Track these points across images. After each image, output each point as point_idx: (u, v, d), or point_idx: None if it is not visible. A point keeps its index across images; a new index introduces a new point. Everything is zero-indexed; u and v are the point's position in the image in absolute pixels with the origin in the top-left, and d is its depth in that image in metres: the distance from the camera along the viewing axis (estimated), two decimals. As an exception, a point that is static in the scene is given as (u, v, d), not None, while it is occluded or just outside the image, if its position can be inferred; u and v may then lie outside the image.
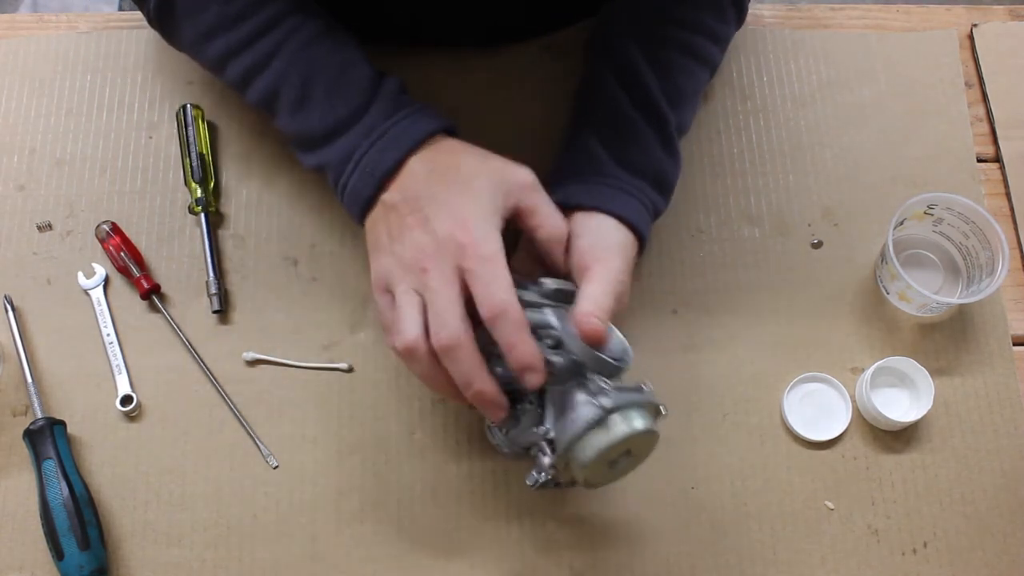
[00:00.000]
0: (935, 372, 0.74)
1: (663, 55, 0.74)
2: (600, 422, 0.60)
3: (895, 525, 0.72)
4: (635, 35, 0.74)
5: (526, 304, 0.62)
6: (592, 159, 0.72)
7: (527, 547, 0.70)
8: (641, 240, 0.70)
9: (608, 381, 0.62)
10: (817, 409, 0.74)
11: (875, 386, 0.74)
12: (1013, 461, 0.73)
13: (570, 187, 0.70)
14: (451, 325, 0.59)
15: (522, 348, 0.59)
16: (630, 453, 0.64)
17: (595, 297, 0.63)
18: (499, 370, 0.62)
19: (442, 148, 0.66)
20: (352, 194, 0.66)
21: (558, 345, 0.62)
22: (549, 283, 0.65)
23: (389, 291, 0.63)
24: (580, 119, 0.75)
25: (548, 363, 0.61)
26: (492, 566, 0.70)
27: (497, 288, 0.59)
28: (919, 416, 0.72)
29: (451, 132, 0.68)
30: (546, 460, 0.62)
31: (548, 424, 0.62)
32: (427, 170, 0.64)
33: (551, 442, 0.62)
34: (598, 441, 0.61)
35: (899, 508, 0.72)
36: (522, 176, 0.65)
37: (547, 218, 0.65)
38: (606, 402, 0.61)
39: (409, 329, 0.60)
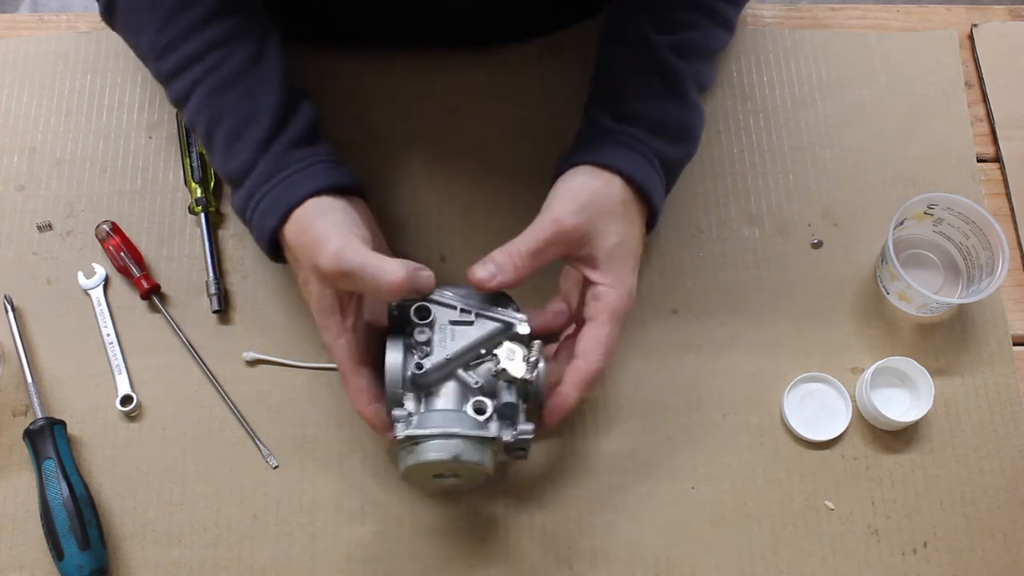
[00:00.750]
0: (935, 372, 0.74)
1: (669, 16, 0.72)
2: (432, 438, 0.62)
3: (895, 525, 0.72)
4: (643, 6, 0.73)
5: (442, 304, 0.65)
6: (587, 123, 0.71)
7: (527, 546, 0.70)
8: (639, 187, 0.68)
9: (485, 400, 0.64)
10: (817, 409, 0.74)
11: (875, 386, 0.74)
12: (1013, 461, 0.73)
13: (563, 155, 0.70)
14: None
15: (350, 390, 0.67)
16: (458, 476, 0.65)
17: (508, 249, 0.65)
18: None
19: (295, 223, 0.65)
20: (258, 243, 0.69)
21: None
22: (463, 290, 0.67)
23: None
24: (588, 97, 0.74)
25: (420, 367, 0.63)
26: (492, 565, 0.70)
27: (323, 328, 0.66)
28: (919, 416, 0.72)
29: (330, 191, 0.66)
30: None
31: (411, 407, 0.65)
32: (287, 247, 0.67)
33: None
34: (420, 454, 0.62)
35: (899, 508, 0.72)
36: (322, 261, 0.62)
37: (368, 283, 0.62)
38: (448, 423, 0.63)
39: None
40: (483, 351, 0.65)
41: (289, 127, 0.68)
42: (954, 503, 0.72)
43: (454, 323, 0.65)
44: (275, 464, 0.72)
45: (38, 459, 0.69)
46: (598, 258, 0.66)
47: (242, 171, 0.68)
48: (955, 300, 0.75)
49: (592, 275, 0.67)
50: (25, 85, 0.83)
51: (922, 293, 0.73)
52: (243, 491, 0.71)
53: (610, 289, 0.66)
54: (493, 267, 0.64)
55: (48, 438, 0.69)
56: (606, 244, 0.66)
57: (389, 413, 0.65)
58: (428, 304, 0.65)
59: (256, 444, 0.72)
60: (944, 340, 0.77)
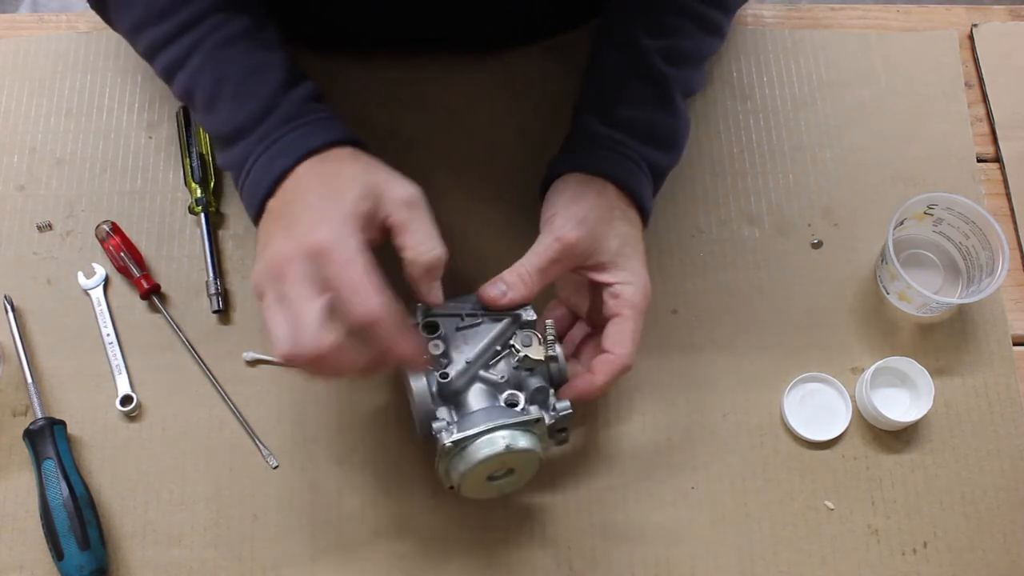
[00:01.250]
0: (935, 372, 0.74)
1: (661, 20, 0.73)
2: (478, 436, 0.62)
3: (895, 525, 0.72)
4: (635, 10, 0.74)
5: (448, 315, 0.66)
6: (577, 128, 0.72)
7: (527, 546, 0.70)
8: (630, 192, 0.69)
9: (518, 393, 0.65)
10: (817, 409, 0.74)
11: (875, 386, 0.74)
12: (1013, 461, 0.73)
13: (553, 162, 0.71)
14: (307, 336, 0.57)
15: (402, 347, 0.60)
16: (512, 471, 0.65)
17: (518, 268, 0.66)
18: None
19: (332, 157, 0.64)
20: (246, 199, 0.66)
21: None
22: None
23: (262, 298, 0.61)
24: (578, 100, 0.75)
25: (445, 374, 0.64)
26: (492, 565, 0.70)
27: (360, 298, 0.57)
28: (919, 416, 0.72)
29: (354, 144, 0.66)
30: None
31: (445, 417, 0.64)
32: (310, 179, 0.63)
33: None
34: (473, 456, 0.62)
35: (899, 508, 0.72)
36: (400, 191, 0.62)
37: (415, 239, 0.62)
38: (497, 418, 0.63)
39: (278, 341, 0.58)
40: (498, 347, 0.66)
41: (301, 85, 0.67)
42: (954, 503, 0.72)
43: (462, 329, 0.66)
44: (275, 464, 0.72)
45: (38, 459, 0.69)
46: (607, 262, 0.67)
47: (254, 119, 0.65)
48: (955, 300, 0.75)
49: (605, 278, 0.68)
50: (25, 85, 0.83)
51: (922, 293, 0.73)
52: (243, 491, 0.71)
53: (626, 286, 0.67)
54: (503, 286, 0.66)
55: (48, 438, 0.69)
56: (611, 248, 0.67)
57: (424, 437, 0.65)
58: (434, 319, 0.66)
59: (256, 444, 0.72)
60: (944, 340, 0.77)
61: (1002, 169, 0.83)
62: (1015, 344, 0.77)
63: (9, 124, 0.82)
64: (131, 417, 0.73)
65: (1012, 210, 0.81)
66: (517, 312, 0.67)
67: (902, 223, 0.76)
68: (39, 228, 0.78)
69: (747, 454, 0.73)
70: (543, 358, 0.65)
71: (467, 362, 0.65)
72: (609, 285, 0.68)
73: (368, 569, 0.69)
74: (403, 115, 0.83)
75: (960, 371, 0.76)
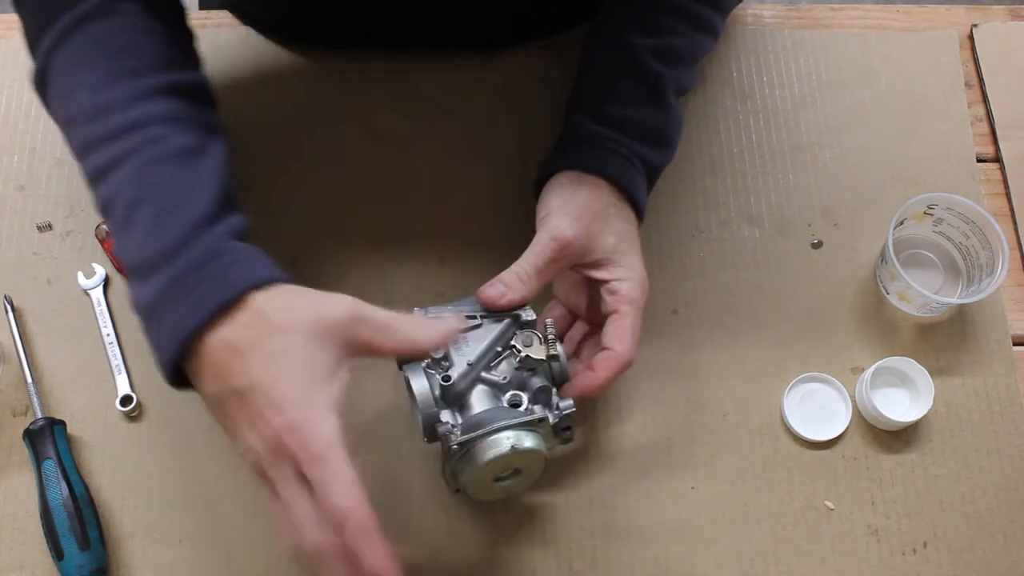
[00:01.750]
0: (935, 372, 0.74)
1: (655, 20, 0.73)
2: (483, 437, 0.62)
3: (895, 525, 0.72)
4: (628, 10, 0.74)
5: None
6: (570, 126, 0.72)
7: (527, 546, 0.70)
8: (624, 189, 0.69)
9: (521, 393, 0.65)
10: (817, 409, 0.74)
11: (875, 386, 0.74)
12: (1013, 461, 0.73)
13: (545, 161, 0.71)
14: (310, 536, 0.53)
15: (370, 556, 0.52)
16: (518, 471, 0.65)
17: (516, 269, 0.66)
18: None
19: (246, 312, 0.55)
20: (156, 354, 0.57)
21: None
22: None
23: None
24: (570, 99, 0.75)
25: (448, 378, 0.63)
26: (492, 565, 0.70)
27: (334, 493, 0.52)
28: (919, 416, 0.72)
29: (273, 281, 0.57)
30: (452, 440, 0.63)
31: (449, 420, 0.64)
32: (229, 348, 0.54)
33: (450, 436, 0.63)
34: (479, 457, 0.62)
35: (899, 508, 0.72)
36: (337, 312, 0.56)
37: (386, 341, 0.58)
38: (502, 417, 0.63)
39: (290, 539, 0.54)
40: (499, 348, 0.66)
41: (229, 219, 0.59)
42: (954, 503, 0.72)
43: (464, 331, 0.66)
44: (275, 464, 0.72)
45: (38, 459, 0.69)
46: (603, 259, 0.68)
47: (168, 251, 0.57)
48: (955, 300, 0.75)
49: (602, 275, 0.68)
50: (25, 85, 0.83)
51: (922, 293, 0.73)
52: (243, 491, 0.71)
53: (624, 282, 0.67)
54: (502, 286, 0.66)
55: (48, 438, 0.69)
56: (607, 245, 0.67)
57: (427, 437, 0.65)
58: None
59: (256, 444, 0.72)
60: (944, 340, 0.77)
61: (1002, 169, 0.83)
62: (1015, 344, 0.77)
63: (9, 124, 0.82)
64: (131, 417, 0.73)
65: (1012, 210, 0.81)
66: (516, 313, 0.67)
67: (902, 223, 0.76)
68: (39, 228, 0.78)
69: (747, 454, 0.73)
70: (544, 357, 0.65)
71: (468, 364, 0.65)
72: (606, 282, 0.68)
73: (368, 569, 0.69)
74: (403, 115, 0.83)
75: (960, 371, 0.76)
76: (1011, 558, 0.71)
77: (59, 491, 0.67)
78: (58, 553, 0.66)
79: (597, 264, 0.68)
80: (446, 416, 0.64)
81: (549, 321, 0.66)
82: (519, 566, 0.70)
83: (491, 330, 0.66)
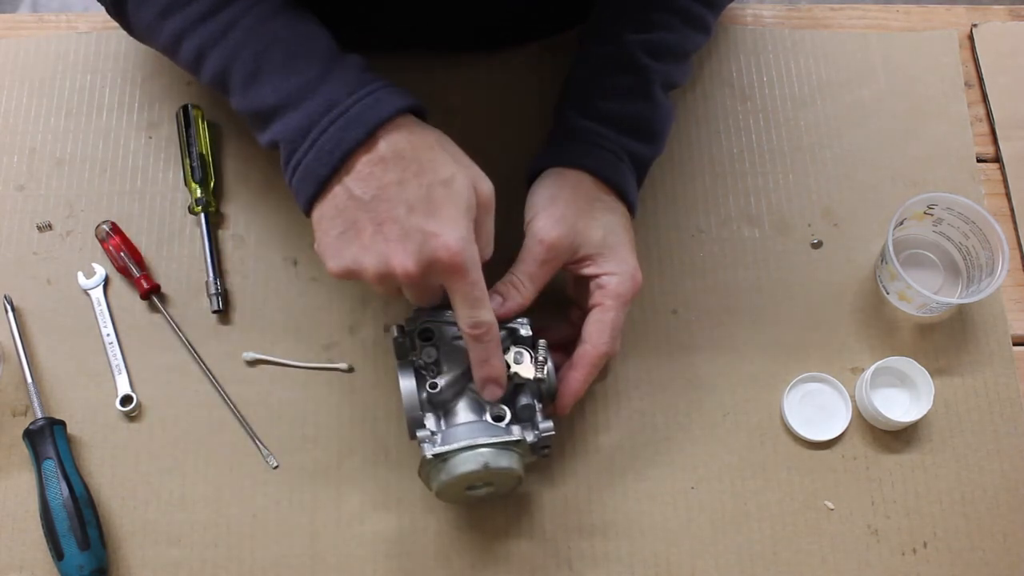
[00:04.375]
0: (935, 372, 0.74)
1: (647, 16, 0.74)
2: (459, 451, 0.63)
3: (895, 525, 0.72)
4: (621, 8, 0.74)
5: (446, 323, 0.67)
6: (557, 122, 0.72)
7: (527, 546, 0.70)
8: (610, 183, 0.69)
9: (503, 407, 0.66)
10: (817, 409, 0.74)
11: (875, 386, 0.74)
12: (1013, 461, 0.73)
13: (534, 159, 0.71)
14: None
15: (493, 363, 0.62)
16: (491, 484, 0.66)
17: (510, 279, 0.66)
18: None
19: (411, 132, 0.60)
20: (306, 174, 0.60)
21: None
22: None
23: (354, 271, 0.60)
24: (560, 96, 0.75)
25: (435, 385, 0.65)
26: (492, 565, 0.70)
27: (482, 309, 0.60)
28: (919, 416, 0.72)
29: (419, 113, 0.62)
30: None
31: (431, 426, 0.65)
32: (396, 156, 0.59)
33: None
34: (452, 470, 0.63)
35: (899, 508, 0.72)
36: (487, 191, 0.61)
37: (481, 241, 0.61)
38: (480, 435, 0.64)
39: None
40: None
41: (352, 55, 0.64)
42: (954, 503, 0.72)
43: (458, 338, 0.66)
44: (275, 464, 0.72)
45: (38, 459, 0.69)
46: (592, 255, 0.68)
47: (310, 84, 0.61)
48: (955, 300, 0.75)
49: (591, 270, 0.68)
50: (25, 85, 0.83)
51: (922, 293, 0.73)
52: (243, 491, 0.71)
53: (612, 276, 0.68)
54: (499, 298, 0.66)
55: (48, 438, 0.69)
56: (594, 240, 0.68)
57: (412, 436, 0.66)
58: (431, 325, 0.66)
59: (256, 444, 0.72)
60: (944, 340, 0.77)
61: (1002, 169, 0.83)
62: (1015, 344, 0.77)
63: (9, 124, 0.82)
64: (131, 417, 0.73)
65: (1012, 210, 0.81)
66: (513, 326, 0.67)
67: (902, 223, 0.76)
68: (39, 228, 0.78)
69: (747, 454, 0.73)
70: (532, 378, 0.65)
71: (457, 374, 0.65)
72: (595, 277, 0.68)
73: (368, 569, 0.69)
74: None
75: (960, 371, 0.76)
76: (1011, 558, 0.71)
77: (59, 491, 0.67)
78: (58, 553, 0.66)
79: (585, 260, 0.68)
80: (430, 422, 0.65)
81: (542, 342, 0.66)
82: (519, 565, 0.70)
83: None
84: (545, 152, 0.71)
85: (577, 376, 0.67)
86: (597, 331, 0.67)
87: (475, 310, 0.60)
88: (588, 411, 0.74)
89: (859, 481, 0.73)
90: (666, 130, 0.75)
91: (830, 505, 0.72)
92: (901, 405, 0.75)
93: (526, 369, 0.65)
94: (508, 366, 0.65)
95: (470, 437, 0.63)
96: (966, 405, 0.75)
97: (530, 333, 0.67)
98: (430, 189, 0.58)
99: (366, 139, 0.59)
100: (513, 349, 0.66)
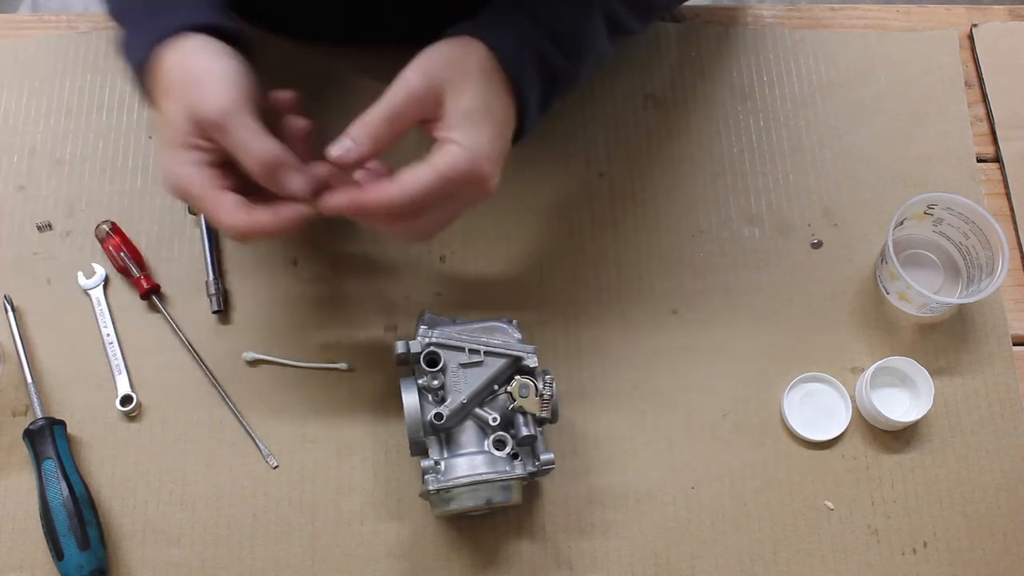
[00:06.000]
0: (935, 372, 0.74)
1: None
2: (462, 487, 0.64)
3: (895, 525, 0.72)
4: None
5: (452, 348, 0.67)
6: (487, 6, 0.67)
7: (527, 546, 0.70)
8: (503, 62, 0.64)
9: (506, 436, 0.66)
10: (817, 409, 0.74)
11: (875, 386, 0.74)
12: (1013, 461, 0.73)
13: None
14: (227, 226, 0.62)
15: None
16: (490, 509, 0.66)
17: (363, 121, 0.61)
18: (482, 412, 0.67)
19: (174, 54, 0.63)
20: (134, 87, 0.66)
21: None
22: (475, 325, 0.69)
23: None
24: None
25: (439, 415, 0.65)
26: (492, 565, 0.70)
27: (224, 220, 0.61)
28: (919, 416, 0.72)
29: (214, 29, 0.63)
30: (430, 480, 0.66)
31: (436, 455, 0.66)
32: (159, 83, 0.63)
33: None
34: (455, 503, 0.65)
35: (899, 508, 0.72)
36: (209, 110, 0.60)
37: (240, 154, 0.60)
38: (482, 467, 0.65)
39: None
40: (496, 387, 0.67)
41: None
42: (954, 503, 0.72)
43: (465, 366, 0.67)
44: (275, 464, 0.72)
45: (38, 459, 0.69)
46: (450, 121, 0.62)
47: (125, 5, 0.67)
48: (955, 300, 0.75)
49: (442, 132, 0.62)
50: (25, 85, 0.83)
51: (922, 293, 0.73)
52: (243, 491, 0.71)
53: (455, 146, 0.61)
54: (349, 142, 0.61)
55: (48, 438, 0.69)
56: (460, 105, 0.62)
57: (413, 454, 0.67)
58: (437, 349, 0.67)
59: (256, 444, 0.72)
60: (944, 340, 0.77)
61: (1002, 169, 0.83)
62: (1015, 344, 0.77)
63: (9, 124, 0.82)
64: (131, 417, 0.73)
65: (1012, 210, 0.81)
66: (519, 354, 0.67)
67: (902, 223, 0.76)
68: (39, 228, 0.78)
69: (747, 454, 0.73)
70: (537, 413, 0.66)
71: (463, 402, 0.66)
72: (442, 142, 0.62)
73: (368, 569, 0.69)
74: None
75: (960, 371, 0.76)
76: (1011, 558, 0.71)
77: (59, 491, 0.67)
78: (58, 553, 0.66)
79: (442, 121, 0.62)
80: (432, 448, 0.66)
81: (549, 377, 0.67)
82: (519, 566, 0.70)
83: (492, 366, 0.67)
84: (457, 25, 0.66)
85: (357, 197, 0.61)
86: (406, 181, 0.60)
87: (217, 222, 0.61)
88: (588, 411, 0.74)
89: (859, 481, 0.73)
90: (589, 56, 0.69)
91: (830, 505, 0.72)
92: (901, 405, 0.75)
93: (531, 404, 0.66)
94: (512, 397, 0.66)
95: (472, 470, 0.64)
96: (966, 405, 0.75)
97: (535, 365, 0.67)
98: (157, 123, 0.64)
99: (149, 58, 0.63)
100: (518, 380, 0.66)
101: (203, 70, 0.62)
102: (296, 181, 0.61)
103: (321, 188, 0.62)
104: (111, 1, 0.69)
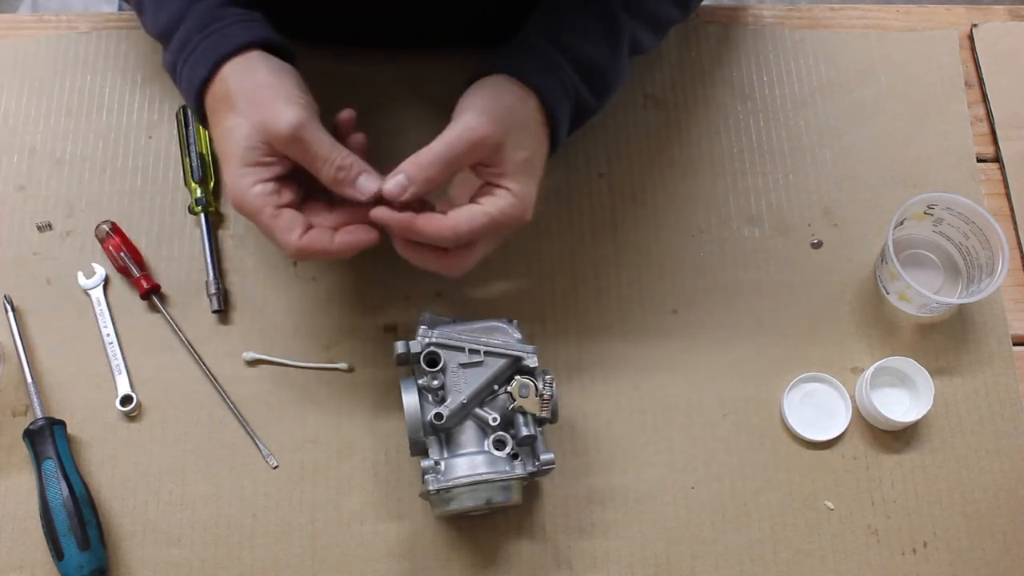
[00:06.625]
0: (935, 372, 0.74)
1: None
2: (462, 487, 0.64)
3: (895, 525, 0.72)
4: None
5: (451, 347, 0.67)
6: (521, 39, 0.70)
7: (527, 546, 0.70)
8: (552, 116, 0.67)
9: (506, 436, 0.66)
10: (817, 409, 0.74)
11: (875, 386, 0.74)
12: (1013, 461, 0.73)
13: (486, 59, 0.69)
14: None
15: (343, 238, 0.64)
16: (490, 508, 0.66)
17: (419, 162, 0.63)
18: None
19: (241, 71, 0.65)
20: (189, 105, 0.68)
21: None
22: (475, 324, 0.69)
23: None
24: (529, 21, 0.72)
25: (439, 415, 0.65)
26: (492, 565, 0.70)
27: (280, 239, 0.63)
28: (919, 416, 0.72)
29: (268, 45, 0.66)
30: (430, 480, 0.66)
31: (436, 455, 0.66)
32: (222, 98, 0.64)
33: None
34: (455, 504, 0.65)
35: (899, 508, 0.72)
36: (282, 125, 0.62)
37: (314, 167, 0.63)
38: (482, 467, 0.65)
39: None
40: (496, 387, 0.67)
41: None
42: (954, 503, 0.72)
43: (465, 366, 0.67)
44: (275, 464, 0.72)
45: (38, 459, 0.69)
46: (506, 170, 0.65)
47: (171, 23, 0.67)
48: (955, 300, 0.75)
49: (496, 180, 0.65)
50: (25, 85, 0.83)
51: (922, 293, 0.73)
52: (243, 491, 0.71)
53: (509, 195, 0.65)
54: (404, 179, 0.63)
55: (48, 438, 0.69)
56: (516, 157, 0.65)
57: (413, 454, 0.67)
58: (437, 349, 0.67)
59: (256, 444, 0.72)
60: (944, 340, 0.77)
61: (1002, 169, 0.83)
62: (1015, 344, 0.77)
63: (9, 124, 0.82)
64: (131, 417, 0.73)
65: (1012, 210, 0.81)
66: (520, 355, 0.67)
67: (902, 223, 0.76)
68: (39, 228, 0.78)
69: (747, 454, 0.73)
70: (537, 413, 0.66)
71: (463, 402, 0.66)
72: (496, 185, 0.65)
73: (368, 569, 0.69)
74: (402, 114, 0.83)
75: (960, 371, 0.76)
76: (1011, 558, 0.71)
77: (59, 491, 0.67)
78: (58, 553, 0.66)
79: (497, 170, 0.65)
80: (432, 447, 0.66)
81: (549, 377, 0.67)
82: (519, 566, 0.70)
83: (492, 367, 0.67)
84: (502, 58, 0.68)
85: (414, 222, 0.63)
86: (462, 219, 0.63)
87: (276, 239, 0.63)
88: (589, 411, 0.74)
89: (859, 481, 0.73)
90: (615, 89, 0.73)
91: (830, 505, 0.72)
92: (901, 405, 0.75)
93: (531, 404, 0.66)
94: (512, 397, 0.66)
95: (472, 470, 0.65)
96: (966, 405, 0.75)
97: (535, 365, 0.67)
98: (219, 141, 0.65)
99: (209, 76, 0.65)
100: (518, 380, 0.66)
101: (270, 86, 0.64)
102: (371, 182, 0.64)
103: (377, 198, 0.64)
104: (155, 20, 0.69)
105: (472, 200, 0.65)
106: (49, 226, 0.78)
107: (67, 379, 0.74)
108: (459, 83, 0.83)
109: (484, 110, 0.64)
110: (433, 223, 0.63)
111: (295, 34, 0.84)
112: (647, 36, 0.75)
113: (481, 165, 0.66)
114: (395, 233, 0.65)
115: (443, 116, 0.78)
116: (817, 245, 0.80)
